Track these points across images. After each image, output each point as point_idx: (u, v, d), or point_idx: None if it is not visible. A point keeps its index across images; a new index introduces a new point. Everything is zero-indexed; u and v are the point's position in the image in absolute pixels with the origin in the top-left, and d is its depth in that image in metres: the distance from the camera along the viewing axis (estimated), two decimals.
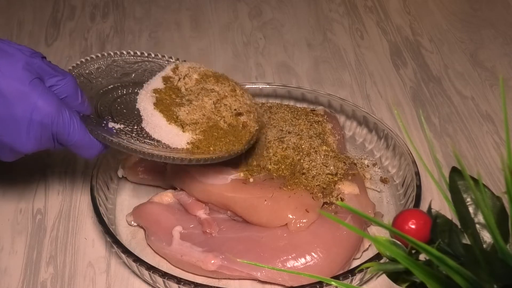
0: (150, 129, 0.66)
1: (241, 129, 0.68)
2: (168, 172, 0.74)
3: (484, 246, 0.39)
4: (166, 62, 0.75)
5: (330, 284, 0.44)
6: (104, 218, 0.67)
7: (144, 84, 0.71)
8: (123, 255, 0.64)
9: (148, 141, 0.65)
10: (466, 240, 0.39)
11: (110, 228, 0.66)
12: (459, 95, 0.94)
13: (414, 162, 0.73)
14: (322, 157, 0.73)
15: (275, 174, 0.71)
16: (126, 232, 0.72)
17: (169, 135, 0.65)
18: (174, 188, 0.75)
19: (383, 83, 0.97)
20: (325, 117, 0.80)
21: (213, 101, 0.68)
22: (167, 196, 0.73)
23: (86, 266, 0.69)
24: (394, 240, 0.39)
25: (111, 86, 0.71)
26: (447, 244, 0.39)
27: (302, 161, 0.71)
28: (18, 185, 0.78)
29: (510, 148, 0.33)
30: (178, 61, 0.74)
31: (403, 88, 0.96)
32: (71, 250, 0.71)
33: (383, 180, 0.78)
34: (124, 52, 0.74)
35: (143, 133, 0.66)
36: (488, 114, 0.90)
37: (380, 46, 1.05)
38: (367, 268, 0.40)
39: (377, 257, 0.63)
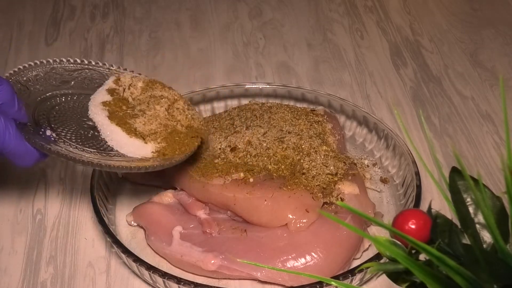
0: (114, 143, 0.66)
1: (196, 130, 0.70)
2: (168, 172, 0.74)
3: (484, 246, 0.39)
4: (106, 70, 0.74)
5: (330, 284, 0.44)
6: (104, 218, 0.67)
7: (84, 93, 0.70)
8: (123, 255, 0.64)
9: (93, 150, 0.65)
10: (466, 240, 0.39)
11: (110, 228, 0.66)
12: (459, 95, 0.94)
13: (414, 162, 0.73)
14: (322, 157, 0.73)
15: (275, 174, 0.71)
16: (126, 232, 0.72)
17: (133, 147, 0.66)
18: (174, 188, 0.75)
19: (383, 83, 0.97)
20: (325, 117, 0.80)
21: (165, 108, 0.69)
22: (167, 196, 0.73)
23: (86, 266, 0.69)
24: (394, 240, 0.39)
25: (49, 93, 0.69)
26: (447, 244, 0.38)
27: (302, 161, 0.71)
28: (18, 185, 0.78)
29: (510, 148, 0.33)
30: (119, 69, 0.73)
31: (403, 88, 0.96)
32: (71, 250, 0.71)
33: (383, 180, 0.78)
34: (64, 60, 0.72)
35: (93, 142, 0.66)
36: (488, 114, 0.90)
37: (380, 46, 1.05)
38: (367, 268, 0.40)
39: (377, 257, 0.63)
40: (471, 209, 0.40)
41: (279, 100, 0.87)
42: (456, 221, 0.40)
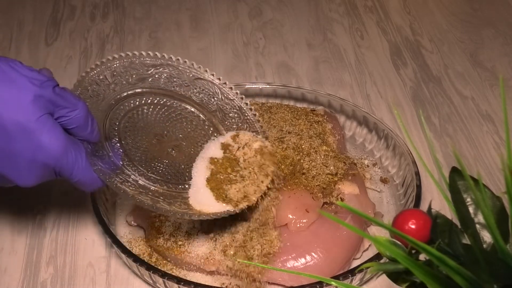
0: (192, 195, 0.63)
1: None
2: None
3: (484, 246, 0.39)
4: (187, 68, 0.66)
5: (330, 284, 0.44)
6: (104, 218, 0.67)
7: (160, 93, 0.66)
8: (123, 255, 0.64)
9: (158, 178, 0.64)
10: (466, 240, 0.39)
11: (110, 228, 0.66)
12: (459, 95, 0.94)
13: (414, 162, 0.73)
14: (322, 157, 0.73)
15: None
16: (126, 232, 0.72)
17: (207, 204, 0.63)
18: None
19: (383, 83, 0.97)
20: (325, 117, 0.80)
21: (267, 183, 0.65)
22: None
23: (86, 266, 0.69)
24: (394, 240, 0.39)
25: (125, 93, 0.65)
26: (447, 244, 0.38)
27: (302, 161, 0.71)
28: None
29: (510, 148, 0.33)
30: (200, 68, 0.66)
31: (403, 88, 0.96)
32: (71, 250, 0.71)
33: (383, 180, 0.78)
34: (143, 53, 0.65)
35: (155, 166, 0.65)
36: (488, 114, 0.90)
37: (380, 46, 1.05)
38: (367, 268, 0.40)
39: (377, 257, 0.63)
40: (471, 209, 0.40)
41: (279, 100, 0.87)
42: (456, 221, 0.40)
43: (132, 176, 0.64)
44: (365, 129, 0.83)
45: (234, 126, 0.67)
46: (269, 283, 0.66)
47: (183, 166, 0.66)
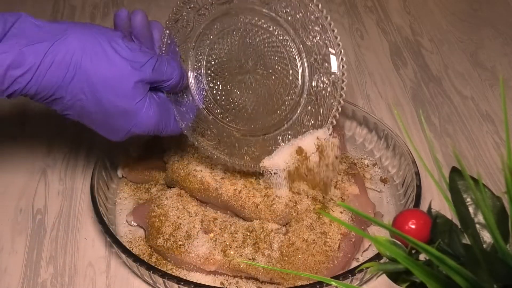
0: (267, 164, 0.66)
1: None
2: (168, 172, 0.74)
3: (484, 246, 0.39)
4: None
5: (330, 284, 0.44)
6: (104, 218, 0.67)
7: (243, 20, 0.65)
8: (123, 255, 0.64)
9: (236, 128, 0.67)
10: (466, 240, 0.39)
11: (110, 228, 0.66)
12: (459, 95, 0.94)
13: (414, 162, 0.73)
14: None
15: None
16: (126, 232, 0.72)
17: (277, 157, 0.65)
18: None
19: (383, 83, 0.97)
20: None
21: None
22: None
23: (86, 266, 0.69)
24: (394, 240, 0.39)
25: (212, 18, 0.65)
26: (447, 244, 0.38)
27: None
28: (18, 185, 0.78)
29: (510, 148, 0.33)
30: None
31: (403, 88, 0.96)
32: (71, 250, 0.71)
33: (383, 180, 0.78)
34: None
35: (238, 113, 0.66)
36: (488, 114, 0.90)
37: (380, 46, 1.05)
38: (367, 268, 0.40)
39: (377, 257, 0.63)
40: (471, 209, 0.40)
41: None
42: (456, 221, 0.40)
43: (211, 117, 0.66)
44: (365, 129, 0.83)
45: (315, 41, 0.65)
46: (269, 283, 0.66)
47: (261, 101, 0.67)
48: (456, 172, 0.41)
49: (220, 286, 0.66)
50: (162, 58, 0.61)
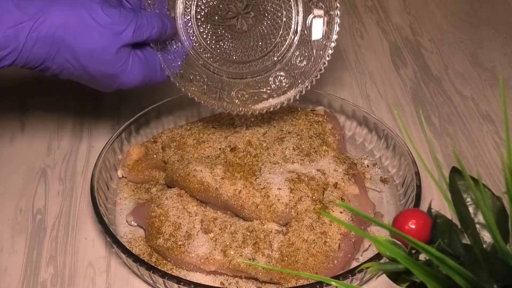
0: None
1: None
2: (168, 172, 0.74)
3: (484, 246, 0.39)
4: None
5: (330, 284, 0.44)
6: (104, 218, 0.67)
7: None
8: (123, 255, 0.64)
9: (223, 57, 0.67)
10: (466, 240, 0.39)
11: (110, 228, 0.66)
12: (459, 95, 0.94)
13: (414, 162, 0.73)
14: (322, 157, 0.72)
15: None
16: (126, 232, 0.72)
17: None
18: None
19: (383, 83, 0.97)
20: (325, 117, 0.80)
21: None
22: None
23: (86, 266, 0.69)
24: (394, 240, 0.39)
25: None
26: (447, 244, 0.38)
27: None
28: (18, 185, 0.78)
29: (510, 148, 0.33)
30: None
31: (403, 88, 0.96)
32: (71, 250, 0.71)
33: (383, 180, 0.78)
34: None
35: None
36: (488, 114, 0.90)
37: (380, 46, 1.05)
38: (367, 268, 0.40)
39: (377, 257, 0.63)
40: (471, 209, 0.40)
41: None
42: (456, 221, 0.40)
43: (200, 62, 0.66)
44: (365, 129, 0.83)
45: None
46: (269, 283, 0.66)
47: (251, 44, 0.67)
48: (456, 172, 0.41)
49: (220, 286, 0.66)
50: (142, 17, 0.64)
